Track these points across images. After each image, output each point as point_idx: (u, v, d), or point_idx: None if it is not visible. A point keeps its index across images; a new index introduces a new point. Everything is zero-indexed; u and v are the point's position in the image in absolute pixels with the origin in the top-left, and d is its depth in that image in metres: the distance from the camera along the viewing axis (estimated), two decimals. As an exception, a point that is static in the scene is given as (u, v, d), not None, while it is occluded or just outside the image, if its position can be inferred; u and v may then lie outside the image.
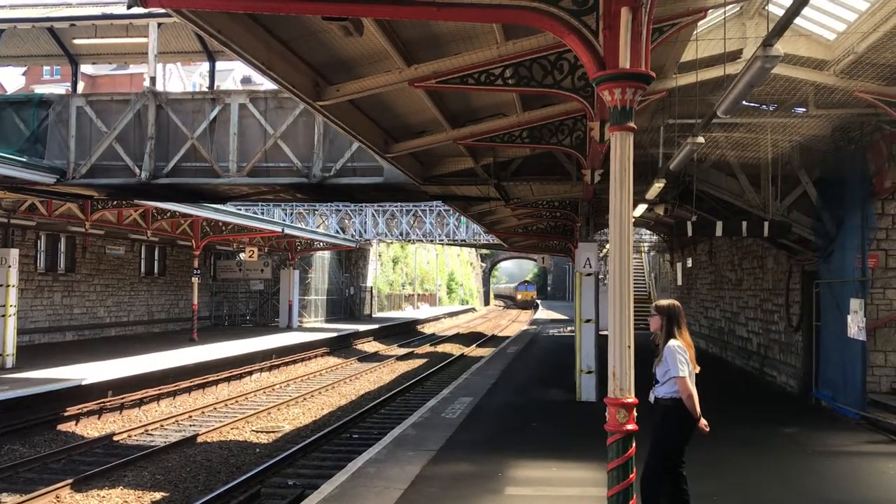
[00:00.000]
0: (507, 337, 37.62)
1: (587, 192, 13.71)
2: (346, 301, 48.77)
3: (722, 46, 8.46)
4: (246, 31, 6.85)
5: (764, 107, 11.11)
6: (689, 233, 13.31)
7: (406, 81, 8.01)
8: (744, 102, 8.45)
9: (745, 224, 12.72)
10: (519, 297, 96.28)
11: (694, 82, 9.20)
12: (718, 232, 12.89)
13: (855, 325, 11.65)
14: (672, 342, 5.99)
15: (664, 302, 6.23)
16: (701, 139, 8.73)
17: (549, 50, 7.55)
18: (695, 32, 8.24)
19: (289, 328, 35.96)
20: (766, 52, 5.52)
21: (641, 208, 13.48)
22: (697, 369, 6.01)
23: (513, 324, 56.75)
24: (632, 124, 4.84)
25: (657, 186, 11.26)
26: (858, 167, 12.31)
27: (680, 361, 5.88)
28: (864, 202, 12.22)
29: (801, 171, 13.31)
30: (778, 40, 5.48)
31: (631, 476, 4.84)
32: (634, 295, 5.07)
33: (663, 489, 6.12)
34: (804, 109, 10.93)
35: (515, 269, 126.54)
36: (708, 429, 6.04)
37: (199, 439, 14.37)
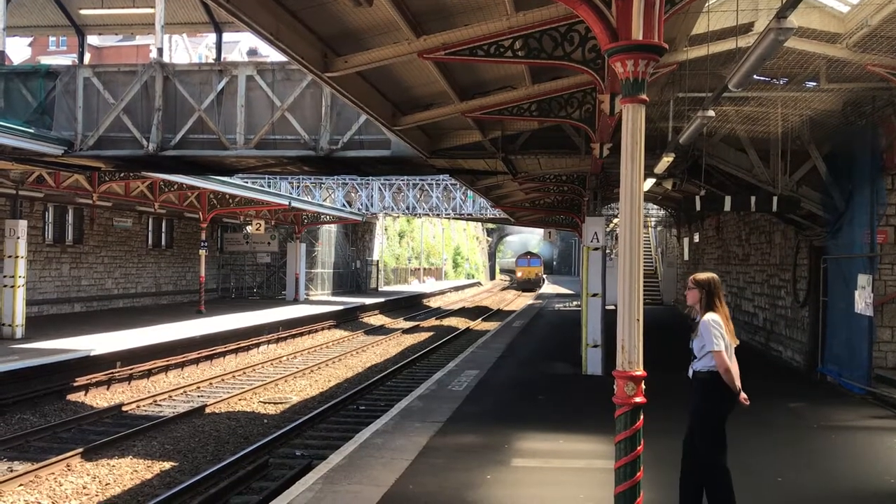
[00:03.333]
0: (513, 311, 37.73)
1: (595, 167, 13.67)
2: (353, 274, 48.88)
3: (734, 19, 8.37)
4: (254, 0, 6.81)
5: (775, 80, 11.00)
6: (698, 207, 13.26)
7: (415, 53, 7.96)
8: (755, 76, 8.38)
9: (753, 199, 12.67)
10: (519, 273, 73.42)
11: (705, 55, 9.11)
12: (727, 207, 12.84)
13: (862, 301, 11.63)
14: (708, 316, 5.94)
15: (702, 275, 6.18)
16: (711, 113, 8.65)
17: (560, 21, 7.48)
18: (707, 4, 8.15)
19: (295, 301, 36.09)
20: (779, 24, 5.46)
21: (650, 182, 13.44)
22: (736, 342, 5.98)
23: (518, 298, 56.87)
24: (644, 96, 4.81)
25: (666, 160, 11.21)
26: (869, 142, 12.21)
27: (715, 335, 5.84)
28: (873, 177, 12.13)
29: (811, 145, 13.21)
30: (792, 12, 5.41)
31: (638, 448, 4.87)
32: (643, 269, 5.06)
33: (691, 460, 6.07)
34: (816, 83, 10.82)
35: (521, 244, 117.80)
36: (748, 402, 5.95)
37: (208, 410, 14.50)
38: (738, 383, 5.91)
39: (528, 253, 77.62)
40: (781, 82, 10.97)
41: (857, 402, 11.77)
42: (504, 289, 76.77)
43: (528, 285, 69.40)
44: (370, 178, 42.53)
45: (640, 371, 4.84)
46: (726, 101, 10.87)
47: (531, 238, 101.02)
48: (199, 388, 16.89)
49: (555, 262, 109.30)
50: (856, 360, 12.33)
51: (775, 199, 12.52)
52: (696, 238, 26.28)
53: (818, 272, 14.28)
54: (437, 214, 46.77)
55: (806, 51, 9.56)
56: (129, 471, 10.70)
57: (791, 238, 16.01)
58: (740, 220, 20.69)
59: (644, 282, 5.12)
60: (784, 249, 16.69)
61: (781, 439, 9.52)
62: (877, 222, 12.08)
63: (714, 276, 6.19)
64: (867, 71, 9.90)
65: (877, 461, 8.58)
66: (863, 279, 11.64)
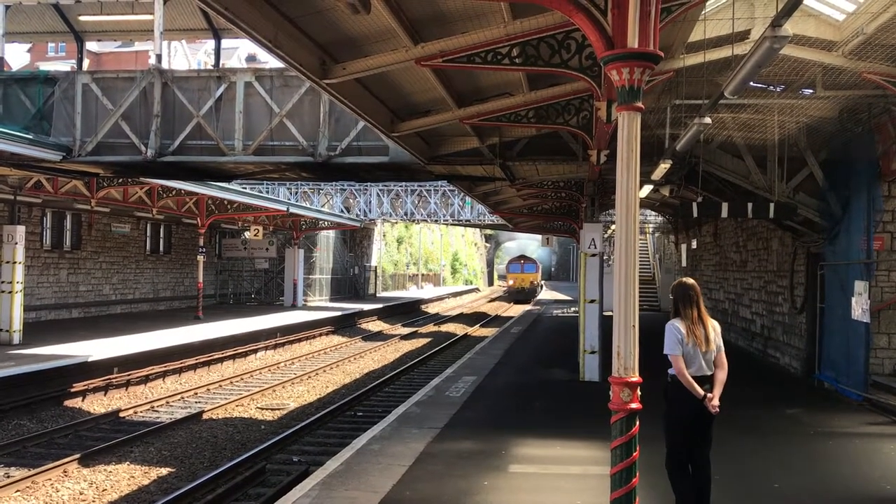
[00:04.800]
0: (511, 317, 37.70)
1: (592, 173, 13.71)
2: (351, 280, 48.86)
3: (730, 26, 8.41)
4: (253, 7, 6.84)
5: (771, 88, 11.04)
6: (695, 214, 13.29)
7: (413, 60, 8.00)
8: (751, 83, 8.43)
9: (750, 205, 12.69)
10: (511, 281, 60.10)
11: (701, 63, 9.16)
12: (724, 213, 12.86)
13: (859, 307, 11.66)
14: (669, 322, 6.00)
15: (676, 281, 6.23)
16: (708, 120, 8.70)
17: (557, 29, 7.52)
18: (703, 12, 8.19)
19: (293, 307, 36.07)
20: (774, 32, 5.50)
21: (647, 189, 13.48)
22: (704, 349, 5.91)
23: (516, 304, 56.81)
24: (639, 104, 4.83)
25: (663, 167, 11.25)
26: (865, 149, 12.25)
27: (668, 339, 5.89)
28: (870, 184, 12.18)
29: (807, 152, 13.26)
30: (787, 20, 5.45)
31: (634, 454, 4.88)
32: (639, 276, 5.07)
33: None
34: (812, 91, 10.87)
35: (519, 250, 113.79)
36: (716, 409, 5.86)
37: (205, 416, 14.49)
38: (697, 388, 5.83)
39: (522, 257, 63.15)
40: (778, 89, 11.02)
41: (854, 409, 11.78)
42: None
43: (521, 296, 56.38)
44: (368, 184, 42.55)
45: (635, 377, 4.85)
46: (723, 108, 10.92)
47: (529, 244, 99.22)
48: (196, 393, 16.88)
49: (553, 268, 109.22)
50: (853, 367, 12.35)
51: (772, 205, 12.55)
52: (694, 244, 26.32)
53: (815, 278, 14.30)
54: (436, 220, 46.78)
55: (802, 58, 9.61)
56: (127, 477, 10.69)
57: (788, 244, 16.04)
58: (738, 227, 20.72)
59: (641, 288, 5.13)
60: (781, 256, 16.72)
61: (778, 445, 9.53)
62: (873, 229, 12.11)
63: (684, 281, 6.15)
64: (863, 78, 9.95)
65: (873, 467, 8.58)
66: (860, 286, 11.68)
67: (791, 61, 9.67)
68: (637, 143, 4.84)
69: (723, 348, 6.05)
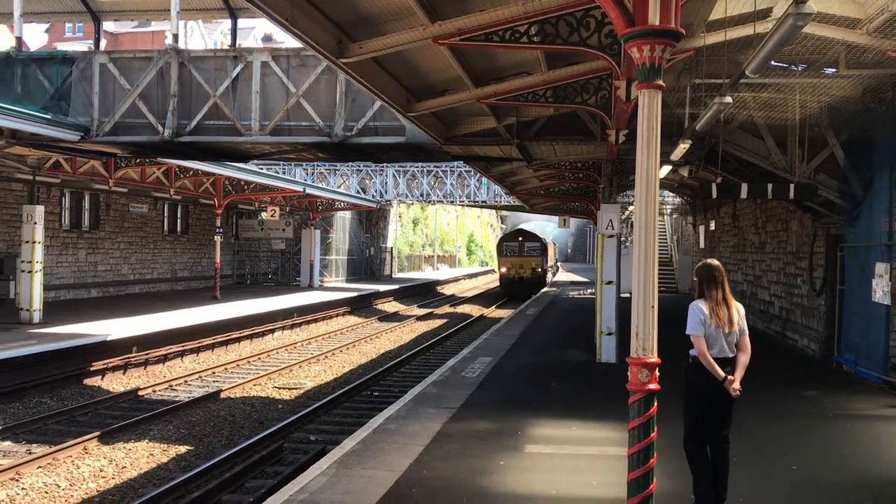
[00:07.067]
0: (527, 298, 37.67)
1: (611, 153, 13.61)
2: (367, 261, 48.96)
3: (752, 4, 8.27)
4: (269, -14, 6.80)
5: (793, 67, 10.87)
6: (714, 195, 13.16)
7: (430, 38, 7.93)
8: (773, 62, 8.30)
9: (770, 186, 12.55)
10: (504, 268, 42.89)
11: (722, 41, 9.02)
12: (743, 194, 12.74)
13: (880, 290, 11.54)
14: (693, 302, 5.97)
15: (701, 262, 6.20)
16: (728, 99, 8.58)
17: (576, 6, 7.43)
18: (725, -11, 8.06)
19: (310, 287, 36.21)
20: (798, 9, 5.40)
21: (666, 169, 13.36)
22: (727, 329, 5.88)
23: (512, 300, 56.59)
24: (660, 82, 4.76)
25: (682, 147, 11.14)
26: (888, 129, 12.06)
27: (691, 320, 5.86)
28: (892, 165, 11.99)
29: (828, 132, 13.08)
30: (811, -3, 5.35)
31: (652, 435, 4.86)
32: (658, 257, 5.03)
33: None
34: (835, 70, 10.69)
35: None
36: (738, 392, 5.81)
37: (223, 395, 14.61)
38: (718, 370, 5.79)
39: (520, 232, 45.34)
40: (800, 68, 10.84)
41: (873, 391, 11.70)
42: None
43: (517, 289, 40.73)
44: (384, 164, 42.49)
45: (654, 358, 4.82)
46: (744, 87, 10.77)
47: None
48: (214, 373, 17.02)
49: (569, 250, 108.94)
50: (872, 349, 12.24)
51: (792, 186, 12.41)
52: (712, 226, 26.15)
53: (835, 260, 14.17)
54: (451, 201, 46.68)
55: (825, 36, 9.44)
56: (145, 454, 10.81)
57: (808, 226, 15.89)
58: (757, 208, 20.54)
59: (659, 269, 5.07)
60: (801, 237, 16.57)
61: (796, 427, 9.48)
62: (895, 210, 11.95)
63: (709, 262, 6.12)
64: (887, 57, 9.77)
65: (892, 450, 8.54)
66: (880, 268, 11.55)
67: (814, 39, 9.50)
68: (658, 121, 4.78)
69: (746, 332, 6.02)
